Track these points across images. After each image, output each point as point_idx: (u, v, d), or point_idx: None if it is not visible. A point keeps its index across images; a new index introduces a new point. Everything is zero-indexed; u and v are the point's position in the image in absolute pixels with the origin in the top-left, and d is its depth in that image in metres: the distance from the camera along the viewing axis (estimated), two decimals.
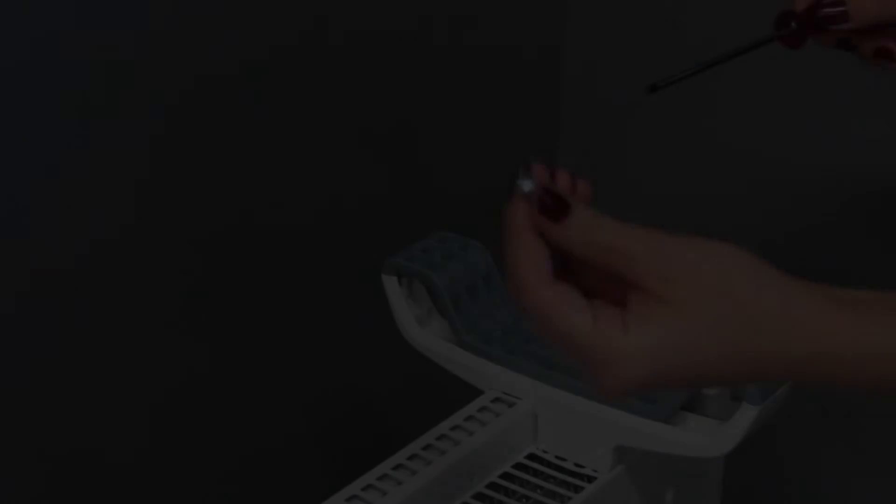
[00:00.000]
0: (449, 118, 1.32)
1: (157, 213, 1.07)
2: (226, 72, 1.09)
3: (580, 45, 1.42)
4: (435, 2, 1.27)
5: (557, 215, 0.67)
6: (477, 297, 0.95)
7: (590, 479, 0.90)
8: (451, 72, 1.31)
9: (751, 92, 1.31)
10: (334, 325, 1.25)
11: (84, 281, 1.03)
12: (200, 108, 1.08)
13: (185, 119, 1.07)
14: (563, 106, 1.45)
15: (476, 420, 0.91)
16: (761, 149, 1.32)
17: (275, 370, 1.21)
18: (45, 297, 1.01)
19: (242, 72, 1.10)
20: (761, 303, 0.63)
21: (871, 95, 1.20)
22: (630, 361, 0.61)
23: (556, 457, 0.91)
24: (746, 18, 1.30)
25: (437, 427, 0.90)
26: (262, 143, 1.14)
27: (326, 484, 0.89)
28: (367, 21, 1.20)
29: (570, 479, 0.90)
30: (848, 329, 0.63)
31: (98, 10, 0.97)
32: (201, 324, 1.14)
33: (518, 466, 0.91)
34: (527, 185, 0.69)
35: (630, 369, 0.61)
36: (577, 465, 0.91)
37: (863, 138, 1.24)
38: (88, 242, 1.03)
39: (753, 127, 1.32)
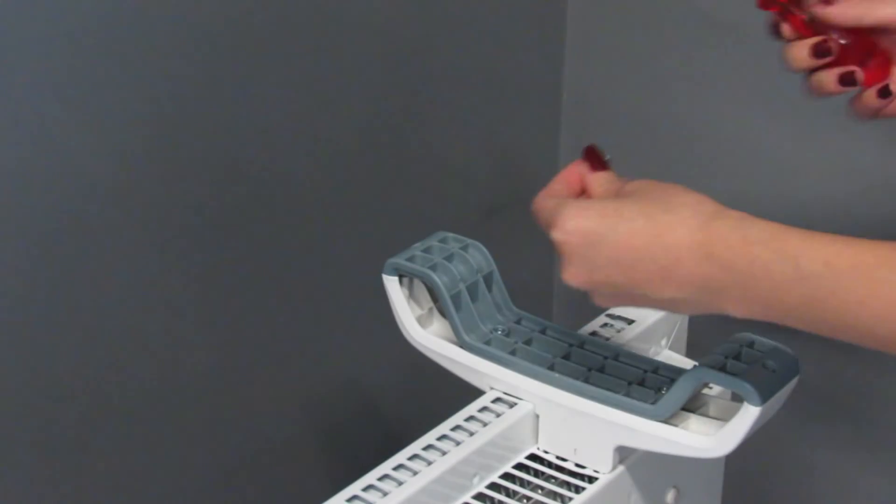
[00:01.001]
0: (450, 118, 1.32)
1: (157, 213, 1.07)
2: (226, 71, 1.09)
3: (580, 47, 1.42)
4: (437, 3, 1.27)
5: None
6: (478, 297, 0.95)
7: (591, 480, 0.90)
8: (452, 72, 1.31)
9: (751, 99, 1.31)
10: (335, 326, 1.25)
11: (84, 281, 1.03)
12: (200, 107, 1.08)
13: (185, 118, 1.07)
14: (564, 107, 1.45)
15: (477, 420, 0.91)
16: (762, 157, 1.32)
17: (276, 370, 1.21)
18: (44, 295, 1.01)
19: (242, 72, 1.10)
20: (689, 203, 0.75)
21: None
22: (567, 215, 0.77)
23: (557, 457, 0.91)
24: (740, 25, 1.30)
25: (438, 427, 0.90)
26: (263, 143, 1.14)
27: (327, 484, 0.89)
28: (368, 21, 1.20)
29: (570, 480, 0.90)
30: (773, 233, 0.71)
31: None
32: (202, 324, 1.13)
33: (519, 467, 0.91)
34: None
35: (567, 221, 0.76)
36: (577, 465, 0.91)
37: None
38: (89, 243, 1.03)
39: (752, 134, 1.32)
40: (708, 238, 0.73)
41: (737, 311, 0.73)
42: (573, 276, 0.78)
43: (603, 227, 0.76)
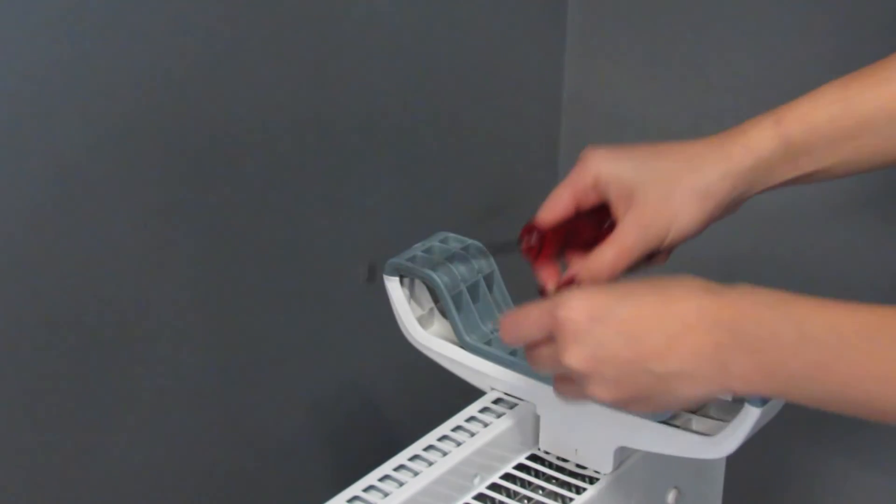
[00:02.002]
0: (450, 118, 1.32)
1: (157, 212, 1.07)
2: (226, 72, 1.09)
3: (580, 47, 1.42)
4: (440, 7, 1.27)
5: None
6: (479, 297, 0.95)
7: (591, 481, 0.90)
8: (453, 72, 1.31)
9: (751, 99, 1.31)
10: (336, 326, 1.25)
11: (85, 280, 1.03)
12: (200, 108, 1.08)
13: (185, 117, 1.07)
14: (564, 107, 1.45)
15: (478, 421, 0.91)
16: None
17: (276, 371, 1.21)
18: (45, 298, 1.01)
19: (242, 73, 1.10)
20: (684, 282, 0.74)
21: None
22: (573, 294, 0.75)
23: (558, 458, 0.91)
24: (740, 24, 1.30)
25: (439, 428, 0.90)
26: (263, 143, 1.14)
27: (328, 484, 0.89)
28: (368, 21, 1.20)
29: (571, 481, 0.90)
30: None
31: None
32: (203, 325, 1.13)
33: (520, 467, 0.91)
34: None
35: (572, 300, 0.75)
36: (578, 466, 0.91)
37: None
38: (90, 242, 1.03)
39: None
40: (717, 304, 0.72)
41: (741, 382, 0.72)
42: (576, 355, 0.75)
43: (611, 301, 0.75)
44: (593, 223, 0.84)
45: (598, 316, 0.74)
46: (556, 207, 0.84)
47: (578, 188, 0.83)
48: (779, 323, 0.70)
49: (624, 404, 0.76)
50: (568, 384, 0.78)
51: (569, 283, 0.83)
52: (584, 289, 0.77)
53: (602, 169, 0.83)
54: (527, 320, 0.78)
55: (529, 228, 0.85)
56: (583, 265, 0.82)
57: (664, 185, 0.81)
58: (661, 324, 0.73)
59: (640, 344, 0.73)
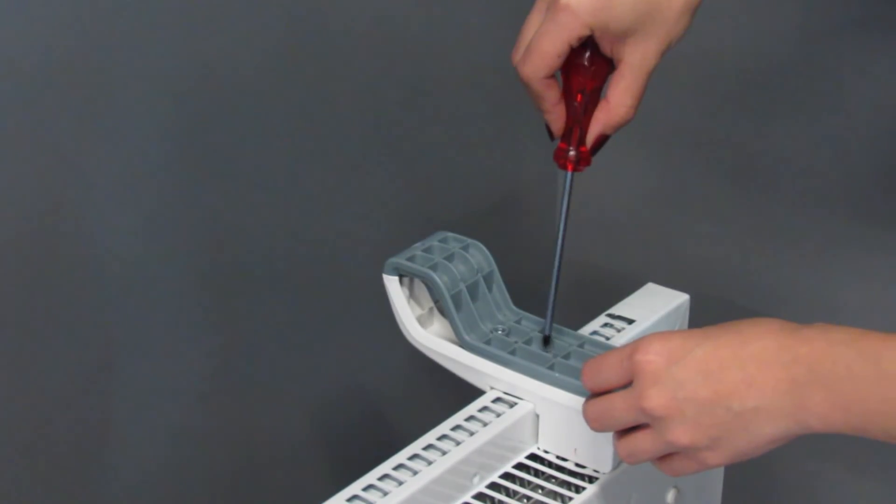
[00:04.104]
0: (450, 118, 1.32)
1: (157, 212, 1.07)
2: (226, 73, 1.09)
3: None
4: (441, 5, 1.27)
5: None
6: (478, 297, 0.95)
7: (591, 480, 0.90)
8: (453, 71, 1.31)
9: (752, 99, 1.31)
10: (335, 326, 1.25)
11: (85, 280, 1.03)
12: (200, 109, 1.08)
13: (185, 120, 1.07)
14: None
15: (477, 420, 0.91)
16: (762, 156, 1.32)
17: (276, 370, 1.21)
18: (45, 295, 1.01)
19: (243, 73, 1.10)
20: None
21: None
22: (651, 338, 0.77)
23: (558, 457, 0.92)
24: (739, 23, 1.30)
25: (438, 427, 0.90)
26: (263, 144, 1.14)
27: (328, 484, 0.89)
28: (369, 22, 1.20)
29: (571, 480, 0.90)
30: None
31: None
32: (203, 325, 1.13)
33: (519, 466, 0.91)
34: None
35: (651, 344, 0.76)
36: (578, 465, 0.91)
37: None
38: (90, 242, 1.03)
39: (746, 129, 1.32)
40: (793, 341, 0.73)
41: (818, 418, 0.73)
42: (655, 396, 0.76)
43: (689, 343, 0.76)
44: (590, 74, 0.87)
45: (676, 357, 0.76)
46: (560, 114, 0.87)
47: (570, 66, 0.85)
48: (854, 359, 0.71)
49: (705, 448, 0.76)
50: (668, 463, 0.80)
51: (601, 139, 0.87)
52: (662, 333, 0.78)
53: (590, 28, 0.83)
54: (607, 366, 0.80)
55: (561, 152, 0.89)
56: (604, 112, 0.86)
57: (654, 14, 0.83)
58: (739, 361, 0.74)
59: (718, 382, 0.74)
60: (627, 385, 0.79)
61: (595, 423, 0.82)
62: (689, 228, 1.39)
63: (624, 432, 0.81)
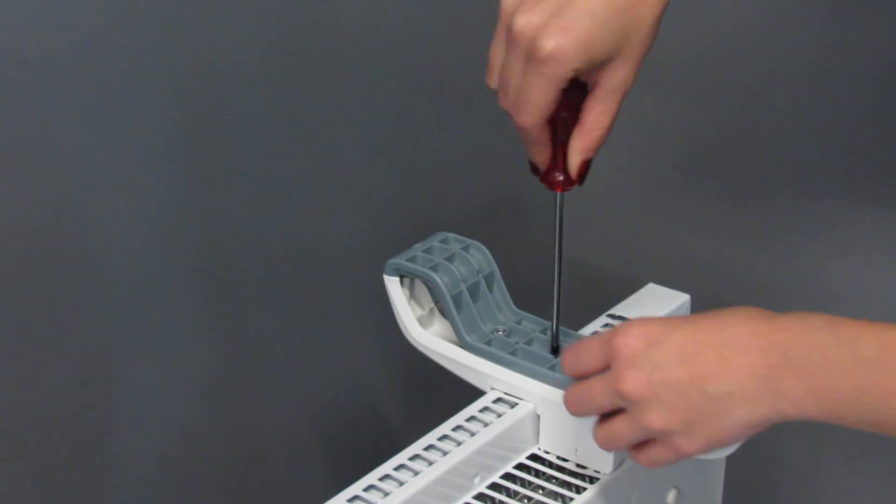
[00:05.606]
0: (450, 118, 1.32)
1: (156, 212, 1.07)
2: (227, 74, 1.09)
3: None
4: (441, 5, 1.27)
5: None
6: (479, 297, 0.95)
7: (592, 480, 0.90)
8: (453, 71, 1.31)
9: (753, 97, 1.31)
10: (336, 326, 1.25)
11: (85, 280, 1.03)
12: (200, 109, 1.08)
13: (185, 121, 1.07)
14: None
15: (478, 420, 0.91)
16: (762, 156, 1.32)
17: (276, 370, 1.21)
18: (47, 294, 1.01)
19: (243, 73, 1.10)
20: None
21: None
22: (630, 323, 0.78)
23: (558, 457, 0.92)
24: (739, 21, 1.30)
25: (439, 427, 0.90)
26: (263, 145, 1.14)
27: (328, 484, 0.89)
28: (368, 23, 1.20)
29: (571, 480, 0.90)
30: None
31: None
32: (203, 324, 1.13)
33: (520, 467, 0.91)
34: None
35: (630, 328, 0.77)
36: (578, 465, 0.91)
37: None
38: (90, 242, 1.03)
39: (747, 129, 1.32)
40: (770, 327, 0.74)
41: (792, 404, 0.73)
42: (632, 379, 0.77)
43: (668, 328, 0.77)
44: (570, 101, 0.85)
45: (655, 341, 0.76)
46: (547, 151, 0.86)
47: (552, 108, 0.83)
48: (830, 344, 0.71)
49: (679, 433, 0.77)
50: (644, 452, 0.80)
51: (584, 165, 0.86)
52: (642, 318, 0.79)
53: (575, 70, 0.82)
54: (586, 351, 0.81)
55: (549, 174, 0.88)
56: (580, 138, 0.85)
57: (630, 36, 0.82)
58: (716, 346, 0.75)
59: (694, 365, 0.75)
60: (607, 370, 0.80)
61: (574, 406, 0.83)
62: (690, 229, 1.39)
63: (603, 419, 0.82)
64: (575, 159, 0.86)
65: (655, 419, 0.77)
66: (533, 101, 0.82)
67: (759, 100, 1.31)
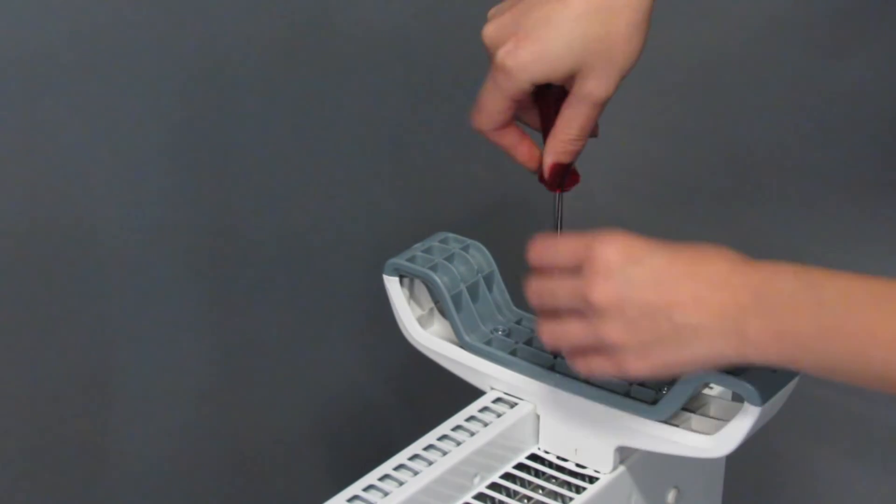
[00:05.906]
0: (450, 118, 1.32)
1: (156, 212, 1.07)
2: (227, 74, 1.09)
3: None
4: (437, 3, 1.27)
5: None
6: (478, 297, 0.95)
7: (591, 480, 0.90)
8: (453, 71, 1.31)
9: (752, 97, 1.31)
10: (336, 326, 1.25)
11: (86, 280, 1.03)
12: (200, 109, 1.08)
13: (186, 120, 1.07)
14: None
15: (478, 420, 0.91)
16: (762, 156, 1.32)
17: (276, 370, 1.21)
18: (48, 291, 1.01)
19: (243, 73, 1.10)
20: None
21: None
22: (615, 235, 0.78)
23: (558, 457, 0.92)
24: (739, 20, 1.30)
25: (439, 427, 0.90)
26: (264, 144, 1.14)
27: (328, 484, 0.89)
28: (368, 23, 1.20)
29: (571, 480, 0.90)
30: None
31: None
32: (203, 324, 1.14)
33: (520, 467, 0.91)
34: None
35: (614, 239, 0.77)
36: (578, 465, 0.91)
37: None
38: (91, 243, 1.03)
39: (747, 129, 1.32)
40: (747, 269, 0.75)
41: (754, 346, 0.73)
42: (603, 289, 0.77)
43: (649, 249, 0.77)
44: (553, 100, 0.86)
45: (634, 258, 0.77)
46: (526, 150, 0.87)
47: (538, 96, 0.84)
48: (798, 288, 0.72)
49: (631, 351, 0.77)
50: (586, 358, 0.80)
51: (556, 168, 0.86)
52: (627, 234, 0.79)
53: (529, 83, 0.82)
54: (562, 246, 0.80)
55: (545, 179, 0.88)
56: (550, 141, 0.85)
57: (597, 49, 0.82)
58: (692, 277, 0.75)
59: (668, 291, 0.76)
60: (575, 271, 0.79)
61: (534, 296, 0.82)
62: (690, 229, 1.39)
63: (551, 315, 0.81)
64: (546, 160, 0.87)
65: (614, 333, 0.77)
66: (486, 108, 0.85)
67: (759, 101, 1.31)
